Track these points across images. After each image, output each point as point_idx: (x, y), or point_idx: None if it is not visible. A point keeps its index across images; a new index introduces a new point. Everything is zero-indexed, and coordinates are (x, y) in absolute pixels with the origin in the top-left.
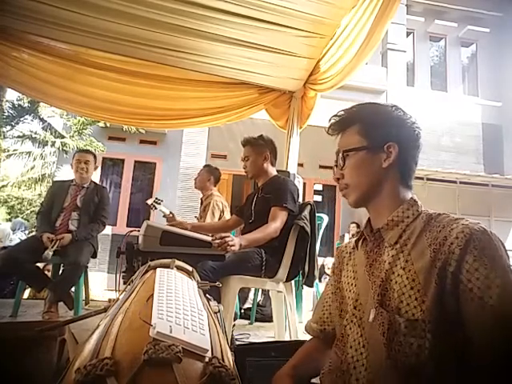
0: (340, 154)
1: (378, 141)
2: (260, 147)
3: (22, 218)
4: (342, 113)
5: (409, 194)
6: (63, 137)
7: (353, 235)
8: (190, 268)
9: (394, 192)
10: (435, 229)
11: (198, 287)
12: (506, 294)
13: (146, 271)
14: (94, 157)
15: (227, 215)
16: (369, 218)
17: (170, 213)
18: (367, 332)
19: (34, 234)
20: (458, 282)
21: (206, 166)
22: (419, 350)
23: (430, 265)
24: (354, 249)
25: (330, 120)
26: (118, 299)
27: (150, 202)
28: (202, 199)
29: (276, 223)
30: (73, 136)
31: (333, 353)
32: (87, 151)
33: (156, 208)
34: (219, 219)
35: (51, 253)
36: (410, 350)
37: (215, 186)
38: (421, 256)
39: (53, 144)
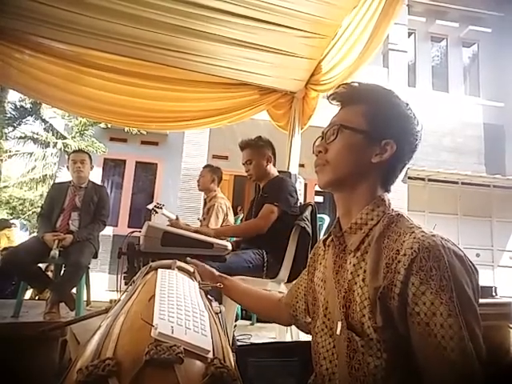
0: (335, 126)
1: (379, 132)
2: (261, 149)
3: (24, 218)
4: (355, 85)
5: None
6: (65, 138)
7: None
8: (191, 269)
9: (369, 191)
10: (393, 236)
11: (200, 288)
12: (448, 323)
13: (148, 272)
14: (89, 156)
15: (231, 217)
16: (339, 216)
17: (177, 217)
18: (337, 344)
19: (35, 234)
20: (406, 304)
21: (207, 166)
22: (376, 370)
23: (382, 282)
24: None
25: (337, 87)
26: (119, 300)
27: (150, 206)
28: (205, 200)
29: (260, 220)
30: (74, 137)
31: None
32: (82, 151)
33: (157, 213)
34: (223, 221)
35: (57, 252)
36: (367, 370)
37: (218, 186)
38: (375, 269)
39: (54, 145)
